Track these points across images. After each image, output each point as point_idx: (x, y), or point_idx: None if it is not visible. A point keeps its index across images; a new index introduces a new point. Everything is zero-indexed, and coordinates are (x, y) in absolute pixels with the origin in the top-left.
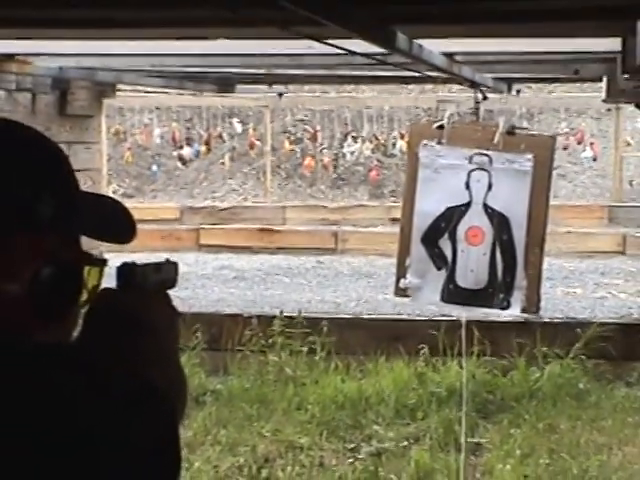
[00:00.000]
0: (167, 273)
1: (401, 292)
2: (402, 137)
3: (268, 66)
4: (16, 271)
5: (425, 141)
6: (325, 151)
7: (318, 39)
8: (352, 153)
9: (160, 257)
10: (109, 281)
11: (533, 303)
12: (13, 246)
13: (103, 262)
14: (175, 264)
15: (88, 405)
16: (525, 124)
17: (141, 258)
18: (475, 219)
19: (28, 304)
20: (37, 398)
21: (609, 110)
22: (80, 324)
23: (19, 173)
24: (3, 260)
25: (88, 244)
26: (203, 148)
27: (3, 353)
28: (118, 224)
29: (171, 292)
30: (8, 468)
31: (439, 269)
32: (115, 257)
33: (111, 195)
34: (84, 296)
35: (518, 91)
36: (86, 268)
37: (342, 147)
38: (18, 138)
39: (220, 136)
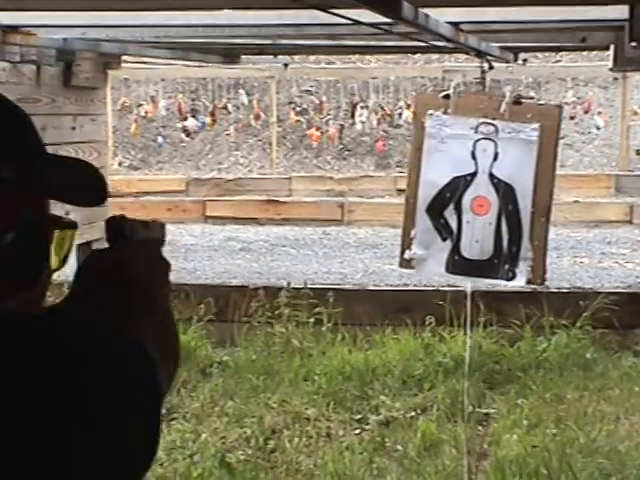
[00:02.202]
0: (155, 231)
1: (406, 263)
2: (408, 107)
3: (273, 37)
4: None
5: (431, 111)
6: (331, 122)
7: (324, 9)
8: (363, 123)
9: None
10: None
11: (539, 274)
12: None
13: (73, 225)
14: (163, 224)
15: (67, 385)
16: (531, 93)
17: None
18: (481, 189)
19: None
20: (16, 378)
21: (616, 79)
22: (70, 286)
23: None
24: None
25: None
26: (208, 119)
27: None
28: (86, 186)
29: (175, 262)
30: None
31: (444, 240)
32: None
33: (78, 157)
34: (55, 261)
35: (525, 60)
36: (56, 232)
37: (351, 117)
38: None
39: (225, 107)
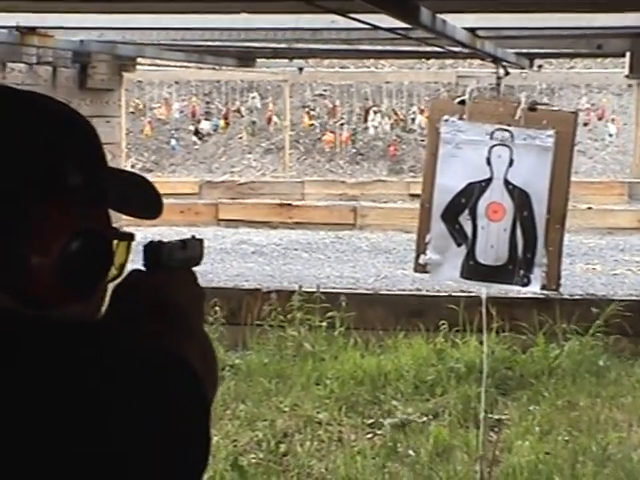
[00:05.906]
0: (193, 250)
1: (421, 268)
2: (421, 112)
3: (289, 40)
4: (45, 242)
5: (446, 116)
6: (344, 126)
7: (341, 13)
8: (376, 128)
9: (185, 234)
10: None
11: (553, 280)
12: (42, 214)
13: (130, 237)
14: (201, 240)
15: (113, 389)
16: (545, 100)
17: (161, 232)
18: (496, 195)
19: (57, 278)
20: (62, 381)
21: (630, 86)
22: (106, 306)
23: (49, 142)
24: (31, 230)
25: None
26: (222, 122)
27: (31, 328)
28: (145, 199)
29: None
30: (26, 454)
31: (459, 245)
32: (135, 231)
33: (137, 172)
34: (112, 272)
35: (540, 66)
36: (114, 242)
37: (364, 122)
38: (48, 109)
39: (239, 110)
